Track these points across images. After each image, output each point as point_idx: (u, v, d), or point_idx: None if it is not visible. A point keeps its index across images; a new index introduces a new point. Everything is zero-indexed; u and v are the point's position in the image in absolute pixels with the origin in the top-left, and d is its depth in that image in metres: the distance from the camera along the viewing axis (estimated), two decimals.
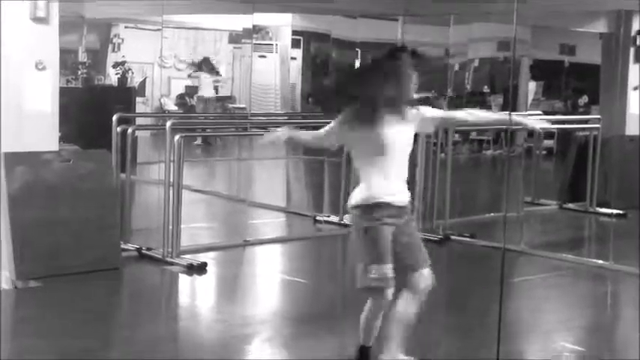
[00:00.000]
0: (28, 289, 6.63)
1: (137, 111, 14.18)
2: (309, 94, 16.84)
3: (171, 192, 7.47)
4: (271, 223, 9.86)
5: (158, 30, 15.98)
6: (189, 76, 17.29)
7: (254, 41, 19.01)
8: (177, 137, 7.43)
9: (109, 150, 7.63)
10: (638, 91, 10.65)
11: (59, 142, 7.31)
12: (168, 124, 7.64)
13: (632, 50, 10.72)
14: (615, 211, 10.23)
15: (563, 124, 11.63)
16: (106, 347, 5.52)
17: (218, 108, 16.55)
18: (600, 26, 11.29)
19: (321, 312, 6.43)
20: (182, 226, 7.52)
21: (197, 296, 7.07)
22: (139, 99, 15.07)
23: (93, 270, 6.89)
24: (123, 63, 14.28)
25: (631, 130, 10.60)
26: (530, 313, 6.51)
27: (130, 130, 7.78)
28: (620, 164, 10.45)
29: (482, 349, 5.30)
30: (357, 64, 14.17)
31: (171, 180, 7.45)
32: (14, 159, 6.75)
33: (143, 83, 15.38)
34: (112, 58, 15.03)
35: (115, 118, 7.75)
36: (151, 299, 6.83)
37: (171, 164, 7.45)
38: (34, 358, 5.21)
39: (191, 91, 16.91)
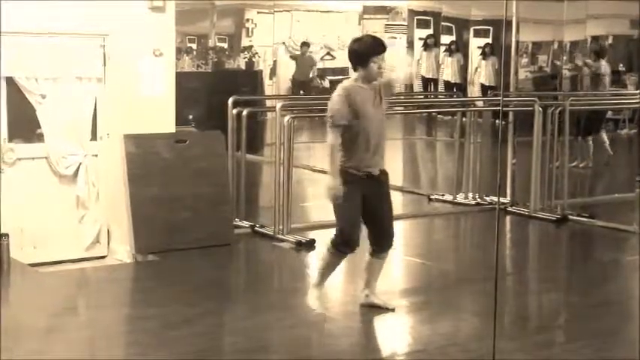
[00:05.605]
0: (146, 262, 7.08)
1: (267, 93, 14.60)
2: None
3: (282, 171, 7.75)
4: None
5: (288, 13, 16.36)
6: (322, 59, 17.58)
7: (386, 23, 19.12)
8: (287, 118, 7.69)
9: (225, 131, 7.97)
10: None
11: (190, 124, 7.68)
12: (279, 105, 7.92)
13: None
14: None
15: None
16: (210, 315, 5.81)
17: None
18: None
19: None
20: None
21: (303, 270, 7.29)
22: (269, 81, 15.51)
23: (207, 245, 7.26)
24: (250, 47, 14.75)
25: None
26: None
27: (244, 112, 8.07)
28: None
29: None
30: None
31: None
32: (133, 140, 7.19)
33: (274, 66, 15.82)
34: (245, 42, 15.55)
35: (230, 101, 8.06)
36: (260, 272, 7.17)
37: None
38: (144, 325, 5.57)
39: (324, 72, 17.21)
